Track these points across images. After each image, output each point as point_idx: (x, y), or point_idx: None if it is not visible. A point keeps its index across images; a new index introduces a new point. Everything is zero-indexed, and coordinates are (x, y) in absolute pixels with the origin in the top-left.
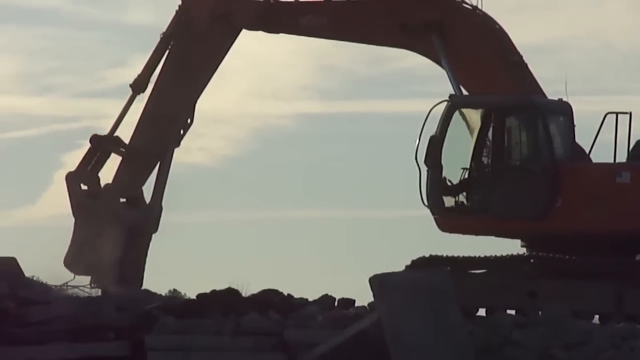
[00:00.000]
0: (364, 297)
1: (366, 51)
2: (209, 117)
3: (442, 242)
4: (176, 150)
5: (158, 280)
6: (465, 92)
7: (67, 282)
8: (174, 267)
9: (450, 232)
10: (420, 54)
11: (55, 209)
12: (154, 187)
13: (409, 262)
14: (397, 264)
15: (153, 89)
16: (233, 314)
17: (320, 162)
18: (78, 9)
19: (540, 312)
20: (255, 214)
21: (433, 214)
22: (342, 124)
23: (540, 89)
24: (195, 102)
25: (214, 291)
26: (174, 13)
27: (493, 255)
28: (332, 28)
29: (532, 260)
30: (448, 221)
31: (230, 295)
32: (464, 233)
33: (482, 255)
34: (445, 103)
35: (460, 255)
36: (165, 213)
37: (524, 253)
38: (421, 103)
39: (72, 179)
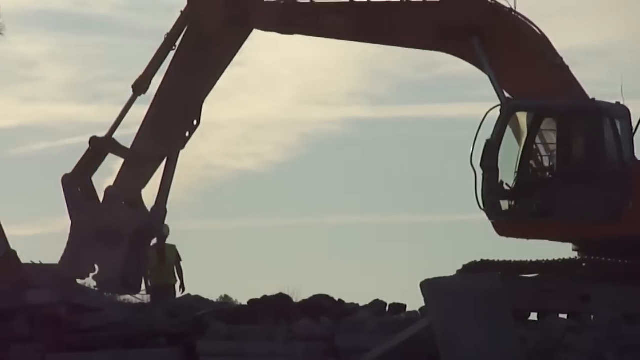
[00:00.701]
0: (415, 302)
1: (415, 56)
2: (258, 123)
3: (494, 246)
4: (225, 155)
5: (209, 286)
6: (508, 96)
7: None
8: (225, 273)
9: (509, 236)
10: (458, 56)
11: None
12: (159, 190)
13: (460, 267)
14: (449, 269)
15: (158, 91)
16: (284, 320)
17: (370, 167)
18: (128, 17)
19: (592, 317)
20: (305, 219)
21: (490, 218)
22: (391, 129)
23: (584, 92)
24: (202, 103)
25: (265, 297)
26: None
27: (545, 259)
28: (357, 30)
29: (584, 264)
30: (506, 225)
31: (281, 300)
32: (523, 237)
33: (533, 260)
34: (501, 106)
35: (512, 260)
36: (216, 219)
37: (576, 257)
38: (470, 107)
39: (69, 181)
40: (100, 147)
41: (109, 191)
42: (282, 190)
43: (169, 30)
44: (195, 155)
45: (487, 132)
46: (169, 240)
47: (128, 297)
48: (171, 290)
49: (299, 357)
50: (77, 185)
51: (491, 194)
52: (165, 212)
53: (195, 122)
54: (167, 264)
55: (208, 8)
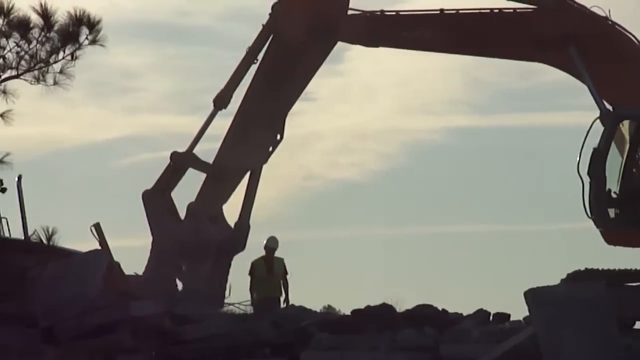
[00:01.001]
0: (519, 311)
1: (516, 64)
2: (360, 133)
3: (599, 254)
4: (327, 165)
5: (313, 297)
6: (607, 105)
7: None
8: (328, 283)
9: (617, 244)
10: (555, 66)
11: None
12: (243, 205)
13: (564, 276)
14: (553, 278)
15: (241, 104)
16: (388, 330)
17: (471, 176)
18: (228, 27)
19: None
20: (407, 228)
21: (598, 227)
22: (492, 138)
23: None
24: (285, 117)
25: (368, 307)
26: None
27: None
28: (450, 42)
29: None
30: (614, 233)
31: (384, 310)
32: (631, 246)
33: (639, 268)
34: (600, 115)
35: (617, 268)
36: (317, 229)
37: None
38: (572, 116)
39: (149, 197)
40: (181, 162)
41: (191, 207)
42: (383, 199)
43: (250, 44)
44: (297, 165)
45: (593, 141)
46: (277, 253)
47: (232, 307)
48: (276, 303)
49: None
50: (157, 200)
51: (599, 202)
52: (249, 227)
53: (278, 137)
54: (275, 276)
55: (293, 21)
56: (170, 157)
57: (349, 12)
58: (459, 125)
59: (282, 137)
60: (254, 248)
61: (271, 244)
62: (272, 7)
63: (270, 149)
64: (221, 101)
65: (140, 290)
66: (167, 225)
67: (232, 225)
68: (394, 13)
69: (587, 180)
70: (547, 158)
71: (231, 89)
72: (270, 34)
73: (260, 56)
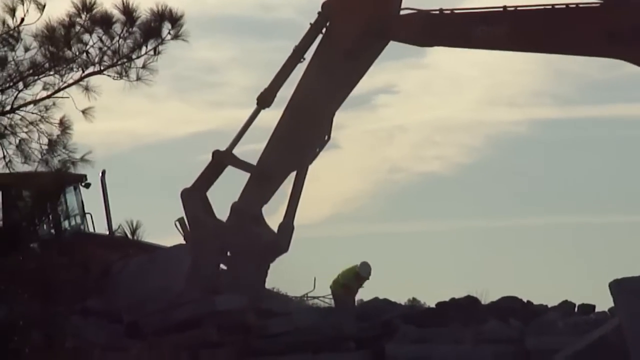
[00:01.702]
0: (604, 302)
1: None
2: (444, 126)
3: None
4: (412, 158)
5: (398, 289)
6: None
7: (307, 294)
8: (414, 275)
9: None
10: (629, 61)
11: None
12: (288, 206)
13: None
14: (638, 269)
15: (289, 104)
16: (473, 322)
17: (557, 168)
18: (311, 21)
19: None
20: (492, 221)
21: None
22: (577, 129)
23: None
24: (333, 117)
25: (453, 299)
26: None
27: None
28: (515, 40)
29: None
30: None
31: (469, 303)
32: None
33: None
34: None
35: None
36: (402, 222)
37: None
38: None
39: (189, 195)
40: (222, 161)
41: (236, 207)
42: (468, 192)
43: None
44: (382, 158)
45: None
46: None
47: (316, 301)
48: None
49: (488, 359)
50: (196, 199)
51: None
52: (293, 228)
53: (326, 137)
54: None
55: (347, 21)
56: (212, 155)
57: (402, 11)
58: (544, 117)
59: (329, 138)
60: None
61: (366, 274)
62: (323, 6)
63: (317, 149)
64: (265, 100)
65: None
66: (207, 224)
67: (275, 226)
68: (450, 11)
69: None
70: (633, 149)
71: (275, 88)
72: (319, 33)
73: (307, 55)
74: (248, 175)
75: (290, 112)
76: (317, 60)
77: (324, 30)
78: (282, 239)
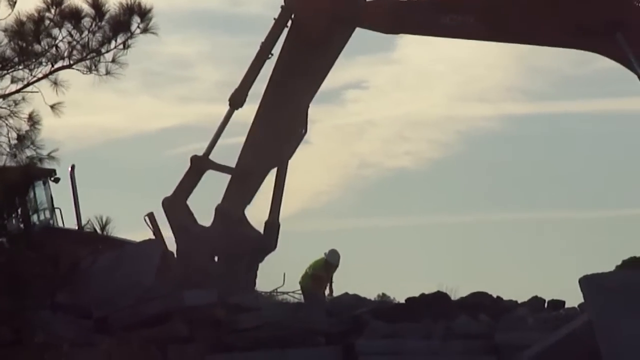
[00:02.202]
0: (574, 298)
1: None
2: (414, 121)
3: None
4: (382, 154)
5: (368, 285)
6: None
7: (276, 289)
8: (384, 271)
9: None
10: (602, 54)
11: (259, 214)
12: (272, 203)
13: (619, 263)
14: (608, 265)
15: (262, 101)
16: (443, 318)
17: (527, 163)
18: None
19: None
20: (462, 216)
21: None
22: (548, 124)
23: None
24: (307, 109)
25: (423, 295)
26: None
27: None
28: (489, 29)
29: None
30: None
31: (439, 298)
32: None
33: None
34: None
35: None
36: (372, 217)
37: None
38: (628, 102)
39: (170, 204)
40: (201, 166)
41: (221, 209)
42: (438, 187)
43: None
44: (352, 153)
45: None
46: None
47: (286, 296)
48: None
49: (457, 355)
50: (178, 207)
51: None
52: (279, 225)
53: (302, 131)
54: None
55: (314, 9)
56: (191, 161)
57: None
58: (515, 113)
59: (306, 131)
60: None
61: (334, 261)
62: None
63: (295, 143)
64: (237, 101)
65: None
66: (191, 230)
67: (259, 224)
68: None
69: None
70: (603, 144)
71: (246, 87)
72: (284, 27)
73: (274, 50)
74: (225, 177)
75: (264, 109)
76: (285, 54)
77: (289, 24)
78: (269, 237)
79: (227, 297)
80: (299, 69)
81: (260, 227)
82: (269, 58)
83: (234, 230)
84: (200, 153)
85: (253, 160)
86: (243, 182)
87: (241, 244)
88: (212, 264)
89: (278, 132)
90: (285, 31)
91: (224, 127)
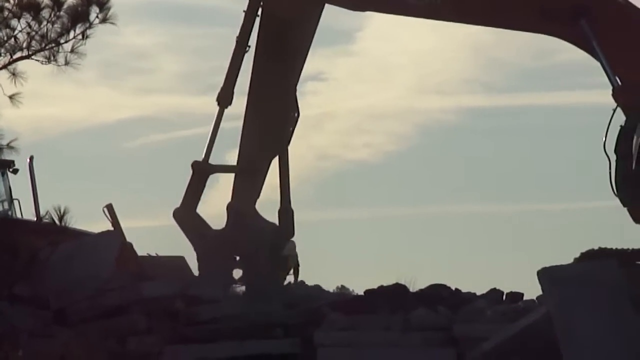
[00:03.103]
0: (532, 290)
1: (531, 43)
2: (373, 114)
3: (613, 234)
4: (340, 146)
5: (326, 277)
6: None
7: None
8: (342, 263)
9: None
10: (566, 40)
11: (216, 207)
12: (281, 192)
13: (578, 255)
14: (567, 257)
15: (249, 94)
16: (401, 310)
17: (486, 156)
18: (238, 8)
19: None
20: (421, 209)
21: (624, 205)
22: (507, 118)
23: None
24: (295, 92)
25: (381, 287)
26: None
27: None
28: (453, 9)
29: None
30: None
31: (398, 290)
32: None
33: None
34: (613, 91)
35: (630, 248)
36: (330, 209)
37: None
38: (587, 95)
39: (182, 215)
40: (203, 171)
41: (232, 206)
42: (397, 180)
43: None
44: (310, 145)
45: (619, 119)
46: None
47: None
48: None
49: (416, 347)
50: (189, 217)
51: (626, 180)
52: (292, 211)
53: (295, 114)
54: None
55: None
56: (192, 167)
57: None
58: (474, 106)
59: (298, 114)
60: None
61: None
62: None
63: (290, 128)
64: (225, 99)
65: (153, 271)
66: (207, 234)
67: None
68: None
69: (613, 158)
70: (561, 137)
71: (231, 84)
72: (255, 17)
73: (251, 42)
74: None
75: (253, 101)
76: (261, 42)
77: (259, 12)
78: (286, 224)
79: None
80: (278, 54)
81: (273, 219)
82: (247, 51)
83: (249, 225)
84: (160, 144)
85: (253, 154)
86: (248, 177)
87: (258, 238)
88: (235, 264)
89: (271, 120)
90: (258, 20)
91: (218, 127)
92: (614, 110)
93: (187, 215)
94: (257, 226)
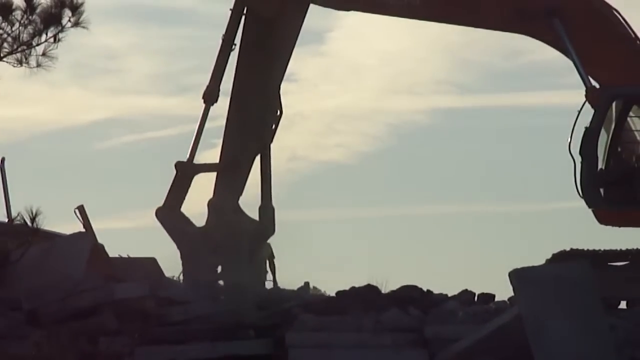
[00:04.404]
0: (504, 291)
1: (502, 44)
2: (345, 114)
3: (585, 235)
4: (312, 146)
5: (298, 278)
6: (593, 82)
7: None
8: (313, 264)
9: (609, 224)
10: (540, 40)
11: (191, 208)
12: (262, 189)
13: (549, 256)
14: (538, 258)
15: (233, 92)
16: (373, 311)
17: (458, 157)
18: (213, 9)
19: None
20: (392, 210)
21: (589, 206)
22: (478, 118)
23: None
24: (279, 91)
25: (353, 288)
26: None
27: (635, 247)
28: (429, 8)
29: None
30: (607, 213)
31: (369, 291)
32: (624, 225)
33: (623, 248)
34: (586, 92)
35: (602, 249)
36: (302, 210)
37: None
38: (559, 95)
39: (164, 214)
40: (187, 172)
41: (213, 203)
42: (369, 181)
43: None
44: (281, 146)
45: (584, 120)
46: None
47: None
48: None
49: (387, 348)
50: (172, 216)
51: (590, 182)
52: (273, 208)
53: (278, 112)
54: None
55: None
56: (175, 168)
57: None
58: (445, 106)
59: (281, 112)
60: None
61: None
62: None
63: (273, 126)
64: (210, 96)
65: (125, 273)
66: (189, 232)
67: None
68: None
69: (579, 159)
70: (533, 138)
71: (217, 82)
72: (241, 16)
73: (237, 41)
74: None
75: (236, 99)
76: (246, 40)
77: (245, 11)
78: (266, 222)
79: (158, 290)
80: (262, 53)
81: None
82: (233, 49)
83: (229, 222)
84: (132, 145)
85: (235, 151)
86: (230, 174)
87: (238, 235)
88: (216, 260)
89: (254, 117)
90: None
91: (203, 125)
92: (579, 112)
93: (170, 214)
94: (237, 223)
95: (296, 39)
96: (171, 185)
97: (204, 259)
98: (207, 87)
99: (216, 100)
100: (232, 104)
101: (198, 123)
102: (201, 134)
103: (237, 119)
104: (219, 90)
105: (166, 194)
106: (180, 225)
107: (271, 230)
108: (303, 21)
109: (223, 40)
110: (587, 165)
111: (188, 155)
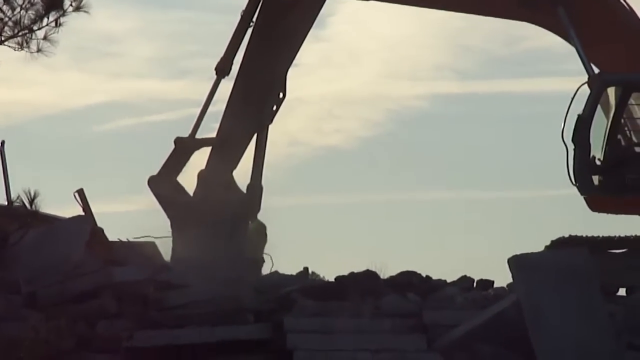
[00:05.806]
0: (503, 277)
1: (502, 30)
2: (344, 99)
3: (583, 222)
4: (311, 131)
5: (297, 263)
6: (595, 69)
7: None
8: (312, 249)
9: (602, 211)
10: (544, 27)
11: (191, 192)
12: (253, 167)
13: (548, 243)
14: (537, 244)
15: (240, 68)
16: (371, 296)
17: (457, 142)
18: None
19: None
20: (392, 195)
21: (582, 194)
22: (478, 104)
23: None
24: (286, 74)
25: (352, 273)
26: None
27: (633, 235)
28: None
29: None
30: (599, 200)
31: (368, 277)
32: (616, 212)
33: (622, 235)
34: (589, 80)
35: (600, 235)
36: (302, 195)
37: None
38: (558, 82)
39: (156, 182)
40: (186, 147)
41: (202, 175)
42: (368, 166)
43: (243, 8)
44: (281, 131)
45: (578, 107)
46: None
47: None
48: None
49: (386, 333)
50: (164, 184)
51: (583, 169)
52: (262, 188)
53: (281, 95)
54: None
55: None
56: (174, 143)
57: None
58: (445, 92)
59: (284, 95)
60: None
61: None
62: None
63: (274, 108)
64: (222, 69)
65: (124, 257)
66: (178, 202)
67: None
68: None
69: (571, 147)
70: (532, 124)
71: (230, 56)
72: None
73: (255, 18)
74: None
75: (243, 76)
76: (261, 20)
77: None
78: (251, 199)
79: (158, 273)
80: (274, 35)
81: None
82: (250, 26)
83: (214, 195)
84: (132, 129)
85: (233, 127)
86: (224, 148)
87: (222, 209)
88: (198, 232)
89: (256, 97)
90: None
91: (212, 97)
92: (572, 99)
93: (160, 182)
94: (221, 196)
95: (311, 26)
96: (168, 158)
97: (189, 230)
98: (221, 59)
99: (228, 74)
100: (237, 80)
101: (206, 96)
102: (207, 107)
103: (240, 96)
104: (231, 64)
105: (162, 165)
106: (171, 193)
107: (256, 209)
108: (320, 10)
109: (241, 16)
110: (580, 153)
111: (191, 130)
